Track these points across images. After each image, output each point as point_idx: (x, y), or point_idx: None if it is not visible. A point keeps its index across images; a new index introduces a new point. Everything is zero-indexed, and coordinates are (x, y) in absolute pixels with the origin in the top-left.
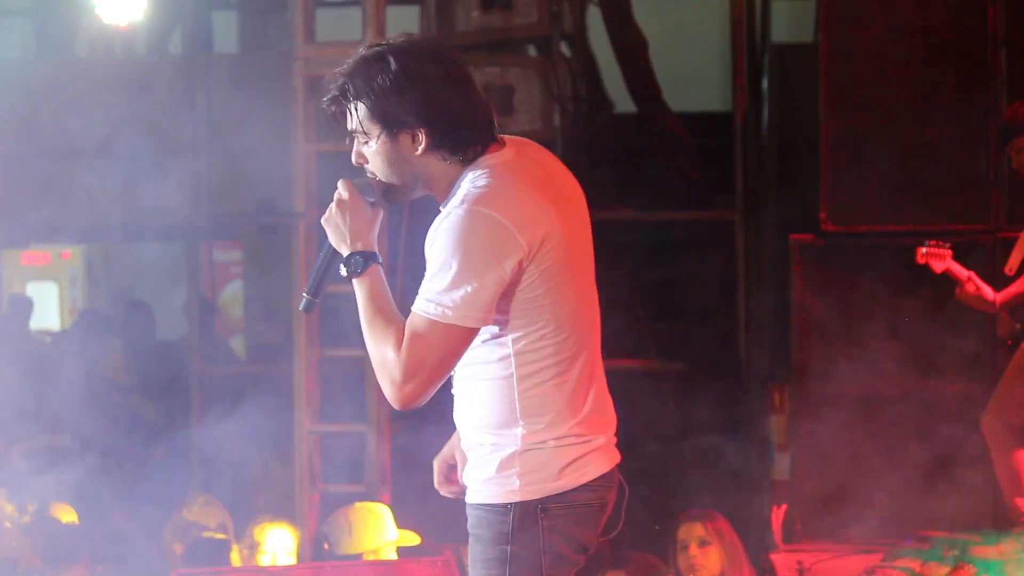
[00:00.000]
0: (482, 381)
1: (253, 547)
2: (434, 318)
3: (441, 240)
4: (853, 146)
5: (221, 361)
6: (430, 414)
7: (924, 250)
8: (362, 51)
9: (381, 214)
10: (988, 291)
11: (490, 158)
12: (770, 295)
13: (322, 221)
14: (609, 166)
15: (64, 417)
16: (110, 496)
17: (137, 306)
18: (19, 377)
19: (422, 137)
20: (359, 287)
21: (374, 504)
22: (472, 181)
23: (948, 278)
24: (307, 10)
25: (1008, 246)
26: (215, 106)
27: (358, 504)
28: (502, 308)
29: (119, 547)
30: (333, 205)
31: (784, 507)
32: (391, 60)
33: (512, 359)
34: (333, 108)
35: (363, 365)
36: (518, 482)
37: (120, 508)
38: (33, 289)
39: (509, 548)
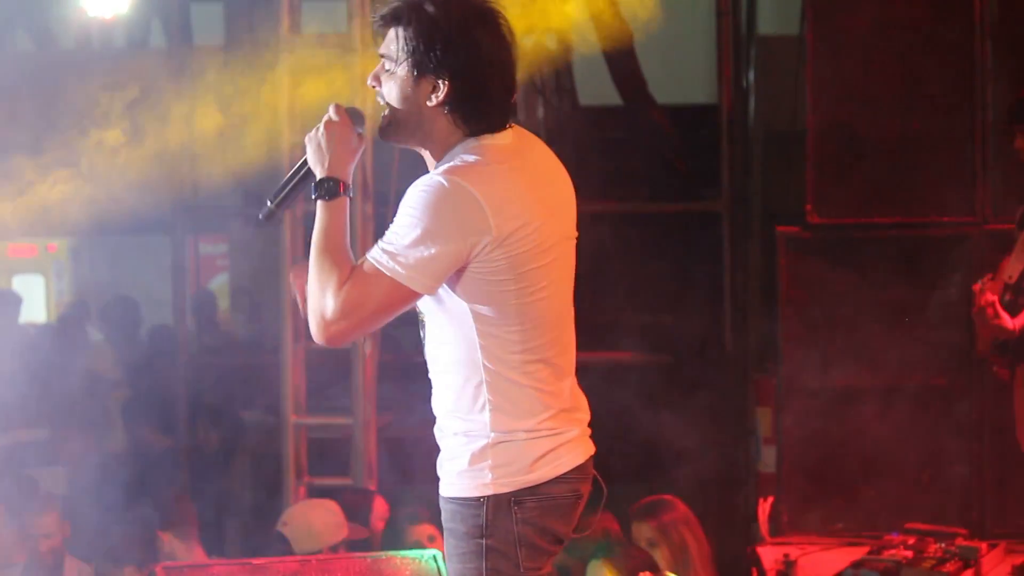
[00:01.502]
0: (451, 364)
1: None
2: (384, 271)
3: (415, 199)
4: (839, 138)
5: (207, 354)
6: (417, 406)
7: (981, 287)
8: None
9: (363, 147)
10: (1007, 319)
11: (488, 138)
12: (756, 287)
13: (306, 138)
14: (595, 158)
15: (49, 411)
16: (97, 492)
17: (123, 301)
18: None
19: (442, 91)
20: (322, 213)
21: (326, 500)
22: (463, 153)
23: (938, 271)
24: (292, 2)
25: (995, 238)
26: (200, 98)
27: (314, 500)
28: (468, 290)
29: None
30: (321, 125)
31: (770, 499)
32: (453, 8)
33: (477, 342)
34: (378, 27)
35: (350, 357)
36: (490, 475)
37: (107, 504)
38: (19, 282)
39: (484, 541)
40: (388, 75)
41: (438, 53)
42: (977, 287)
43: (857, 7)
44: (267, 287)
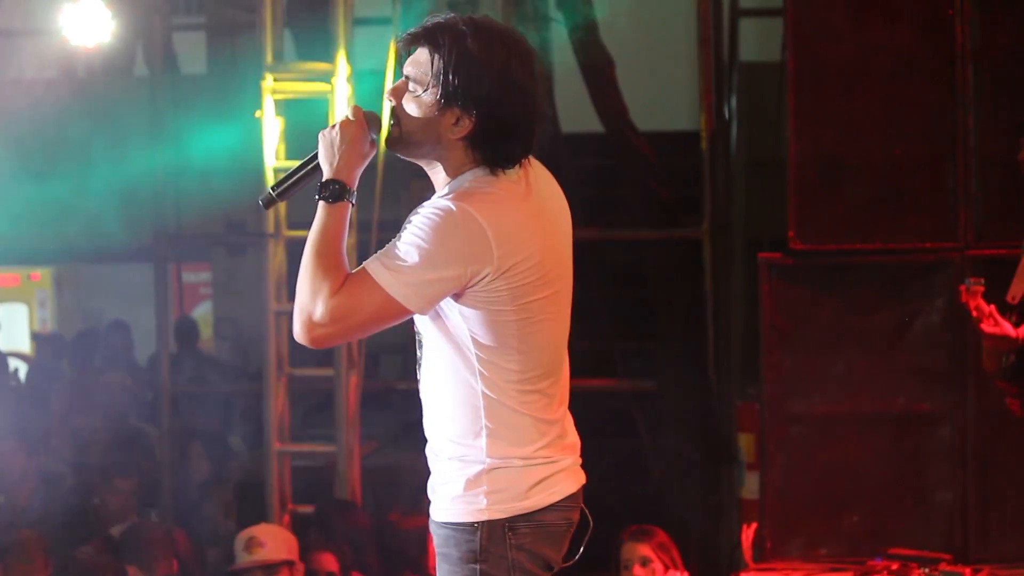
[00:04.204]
0: (450, 386)
1: None
2: (380, 284)
3: (423, 221)
4: (821, 164)
5: (191, 382)
6: (402, 436)
7: (967, 287)
8: (476, 17)
9: (374, 152)
10: (1009, 327)
11: (500, 170)
12: (739, 314)
13: (320, 134)
14: (576, 185)
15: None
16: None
17: (117, 326)
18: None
19: (466, 125)
20: (322, 214)
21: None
22: (474, 180)
23: (920, 296)
24: (275, 30)
25: (978, 263)
26: (183, 126)
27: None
28: (469, 318)
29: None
30: (337, 123)
31: (754, 526)
32: (498, 46)
33: (476, 367)
34: (405, 43)
35: (332, 385)
36: (485, 501)
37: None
38: (2, 311)
39: (478, 567)
40: (411, 96)
41: (473, 91)
42: (963, 287)
43: (839, 34)
44: (251, 315)
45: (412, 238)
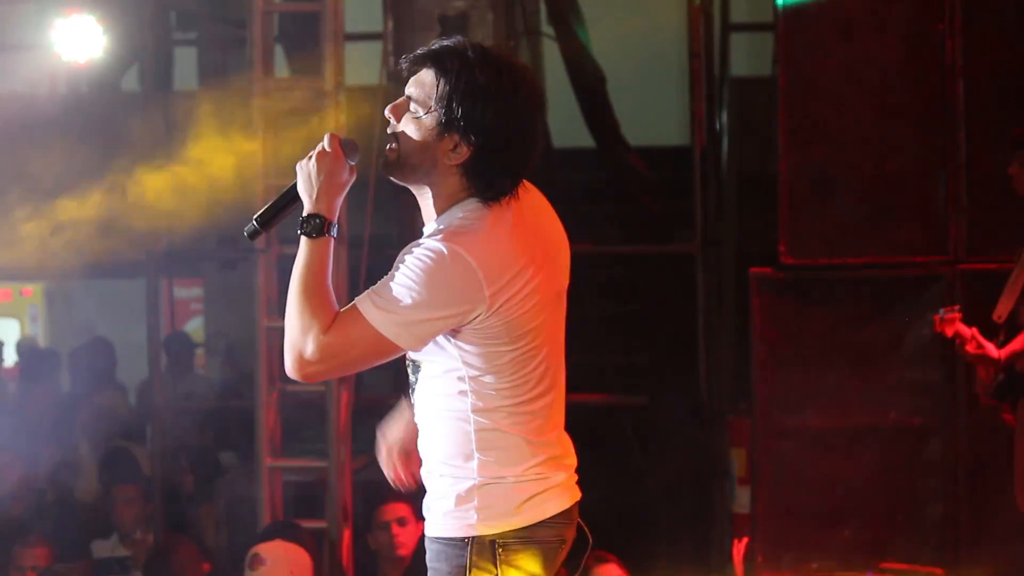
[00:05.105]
0: (441, 411)
1: None
2: (372, 323)
3: (414, 262)
4: (812, 179)
5: (182, 397)
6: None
7: (941, 317)
8: (486, 45)
9: (353, 179)
10: (992, 348)
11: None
12: (730, 328)
13: (297, 165)
14: (568, 200)
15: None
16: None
17: (99, 343)
18: None
19: (463, 153)
20: (305, 249)
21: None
22: (465, 215)
23: (911, 311)
24: (265, 46)
25: (968, 277)
26: (175, 142)
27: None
28: (462, 347)
29: None
30: (313, 154)
31: (745, 540)
32: (506, 78)
33: (469, 394)
34: (411, 63)
35: (324, 401)
36: (475, 516)
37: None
38: None
39: None
40: (411, 116)
41: (475, 119)
42: (937, 317)
43: (829, 48)
44: (242, 330)
45: (403, 279)
